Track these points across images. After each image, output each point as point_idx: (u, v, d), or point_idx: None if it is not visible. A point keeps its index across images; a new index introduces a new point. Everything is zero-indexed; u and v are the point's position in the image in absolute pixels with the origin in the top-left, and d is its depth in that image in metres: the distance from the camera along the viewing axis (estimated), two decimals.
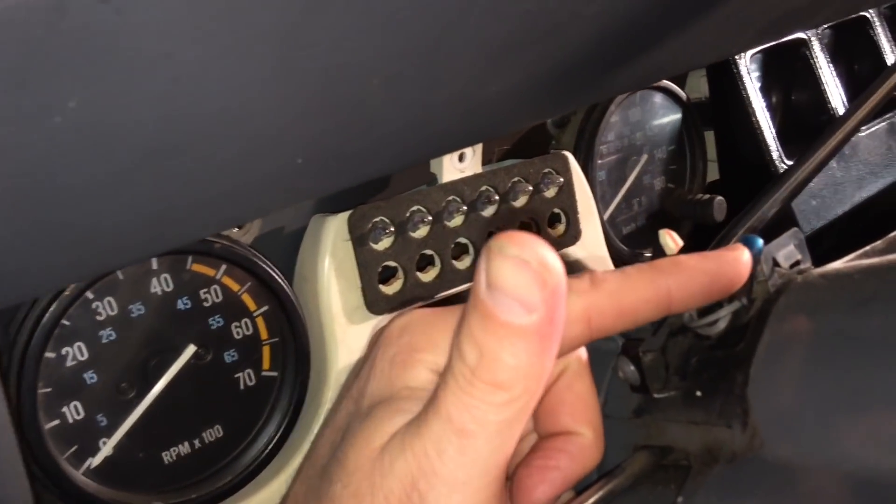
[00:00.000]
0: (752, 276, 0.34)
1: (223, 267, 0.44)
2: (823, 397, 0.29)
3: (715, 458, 0.32)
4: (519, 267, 0.25)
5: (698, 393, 0.34)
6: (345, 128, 0.29)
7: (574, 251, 0.59)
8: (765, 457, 0.30)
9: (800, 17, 0.51)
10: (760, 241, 0.35)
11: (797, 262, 0.36)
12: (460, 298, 0.55)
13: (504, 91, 0.35)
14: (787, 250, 0.36)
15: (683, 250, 0.63)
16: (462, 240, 0.53)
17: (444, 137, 0.36)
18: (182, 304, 0.43)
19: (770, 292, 0.34)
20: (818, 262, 0.41)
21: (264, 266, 0.45)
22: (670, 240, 0.35)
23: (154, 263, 0.42)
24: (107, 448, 0.42)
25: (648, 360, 0.35)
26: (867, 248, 0.40)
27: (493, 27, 0.29)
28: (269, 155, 0.28)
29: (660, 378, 0.36)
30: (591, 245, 0.60)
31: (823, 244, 0.75)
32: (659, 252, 0.72)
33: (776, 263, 0.35)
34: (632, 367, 0.35)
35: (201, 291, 0.44)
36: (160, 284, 0.42)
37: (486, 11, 0.28)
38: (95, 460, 0.42)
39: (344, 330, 0.48)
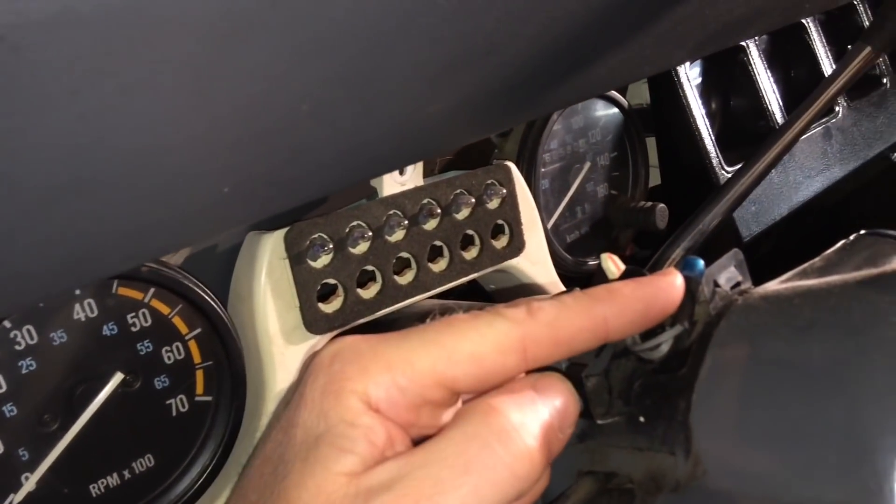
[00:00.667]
0: (693, 298, 0.34)
1: (151, 290, 0.42)
2: (763, 428, 0.29)
3: (659, 486, 0.32)
4: None
5: (641, 418, 0.34)
6: (273, 155, 0.28)
7: (518, 262, 0.58)
8: (707, 486, 0.30)
9: (736, 29, 0.51)
10: (701, 263, 0.35)
11: (738, 283, 0.36)
12: (403, 315, 0.54)
13: (443, 111, 0.34)
14: (728, 271, 0.35)
15: (624, 259, 0.63)
16: (404, 254, 0.52)
17: (380, 159, 0.35)
18: (108, 329, 0.41)
19: (711, 315, 0.34)
20: (757, 267, 0.41)
21: (195, 288, 0.43)
22: (612, 264, 0.34)
23: (77, 289, 0.40)
24: (29, 483, 0.40)
25: (591, 384, 0.35)
26: (805, 265, 0.40)
27: (428, 50, 0.28)
28: (191, 187, 0.26)
29: (603, 402, 0.35)
30: (535, 255, 0.59)
31: (762, 249, 0.77)
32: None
33: (717, 285, 0.35)
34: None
35: (128, 316, 0.42)
36: (84, 310, 0.40)
37: (419, 35, 0.27)
38: (17, 497, 0.39)
39: (282, 351, 0.47)
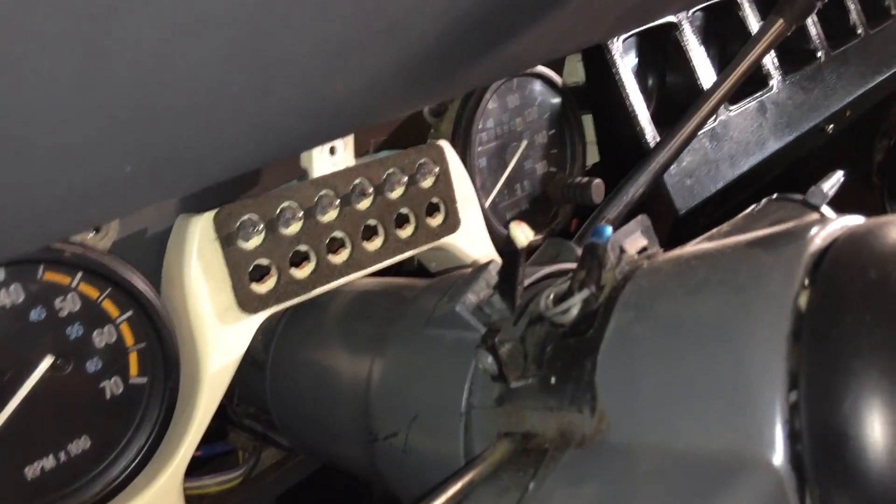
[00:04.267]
0: (601, 264, 0.35)
1: (79, 274, 0.42)
2: (658, 382, 0.30)
3: (567, 442, 0.33)
4: None
5: (553, 380, 0.35)
6: (173, 135, 0.28)
7: (455, 239, 0.59)
8: (611, 439, 0.31)
9: (657, 4, 0.53)
10: (609, 230, 0.36)
11: (644, 248, 0.37)
12: (338, 293, 0.54)
13: (352, 89, 0.35)
14: (635, 237, 0.37)
15: (566, 234, 0.64)
16: (338, 234, 0.52)
17: (290, 137, 0.35)
18: (36, 314, 0.42)
19: (618, 280, 0.35)
20: (691, 240, 0.43)
21: (123, 271, 0.43)
22: (520, 233, 0.36)
23: (1, 274, 0.40)
24: None
25: (505, 349, 0.36)
26: (714, 230, 0.42)
27: (325, 27, 0.29)
28: (90, 165, 0.27)
29: (518, 367, 0.36)
30: (472, 232, 0.60)
31: (700, 221, 0.78)
32: (557, 235, 0.73)
33: (622, 250, 0.36)
34: (490, 358, 0.36)
35: (56, 300, 0.42)
36: (9, 295, 0.40)
37: (314, 11, 0.27)
38: None
39: (216, 331, 0.47)
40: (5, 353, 0.41)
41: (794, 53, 0.93)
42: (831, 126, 0.94)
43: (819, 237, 0.30)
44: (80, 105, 0.23)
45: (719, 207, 0.79)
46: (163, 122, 0.27)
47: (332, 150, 0.52)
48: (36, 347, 0.42)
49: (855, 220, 0.30)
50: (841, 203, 0.43)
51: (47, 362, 0.42)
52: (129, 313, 0.45)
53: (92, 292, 0.43)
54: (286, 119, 0.33)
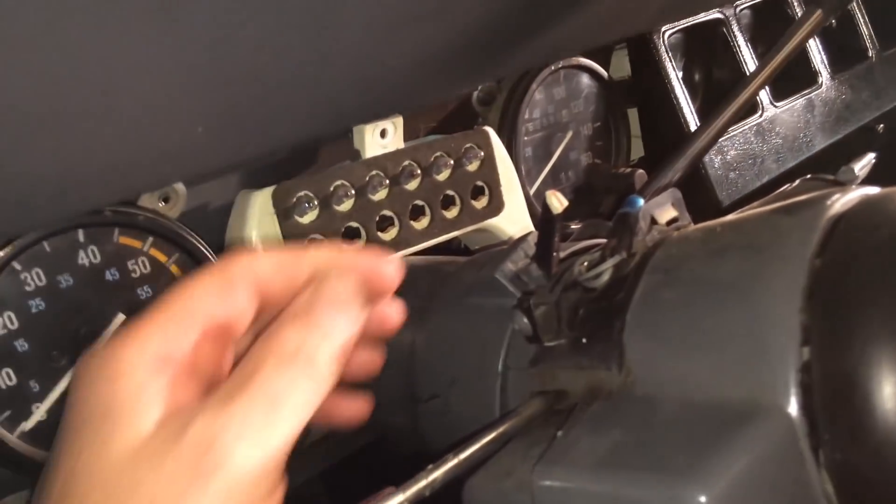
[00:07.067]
0: (632, 231, 0.37)
1: (150, 239, 0.46)
2: (681, 338, 0.32)
3: (595, 396, 0.35)
4: None
5: (584, 340, 0.37)
6: (241, 100, 0.31)
7: (498, 221, 0.62)
8: (636, 392, 0.33)
9: None
10: (640, 201, 0.38)
11: (675, 219, 0.39)
12: None
13: (401, 66, 0.38)
14: (665, 208, 0.39)
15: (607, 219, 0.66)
16: (387, 212, 0.55)
17: (342, 111, 0.38)
18: (110, 275, 0.45)
19: (647, 247, 0.37)
20: None
21: (190, 238, 0.47)
22: (556, 200, 0.38)
23: (81, 236, 0.44)
24: (40, 412, 0.44)
25: (540, 311, 0.38)
26: (746, 207, 0.44)
27: (377, 4, 0.31)
28: (167, 124, 0.30)
29: (552, 329, 0.38)
30: (515, 216, 0.63)
31: None
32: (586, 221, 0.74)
33: (654, 221, 0.38)
34: (525, 320, 0.38)
35: (129, 263, 0.46)
36: (88, 256, 0.44)
37: None
38: (28, 424, 0.44)
39: None
40: (82, 310, 0.45)
41: (844, 52, 0.93)
42: (882, 125, 0.94)
43: (837, 204, 0.31)
44: (163, 65, 0.27)
45: (763, 203, 0.80)
46: (233, 86, 0.30)
47: (382, 133, 0.55)
48: (110, 306, 0.46)
49: (871, 190, 0.32)
50: None
51: (119, 320, 0.46)
52: None
53: (161, 256, 0.47)
54: (339, 92, 0.36)
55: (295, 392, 0.28)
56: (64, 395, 0.44)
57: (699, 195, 0.73)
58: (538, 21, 0.43)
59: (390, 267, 0.33)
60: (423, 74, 0.40)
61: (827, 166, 0.89)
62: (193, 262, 0.48)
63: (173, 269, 0.48)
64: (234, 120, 0.33)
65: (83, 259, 0.44)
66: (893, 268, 0.28)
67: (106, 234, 0.45)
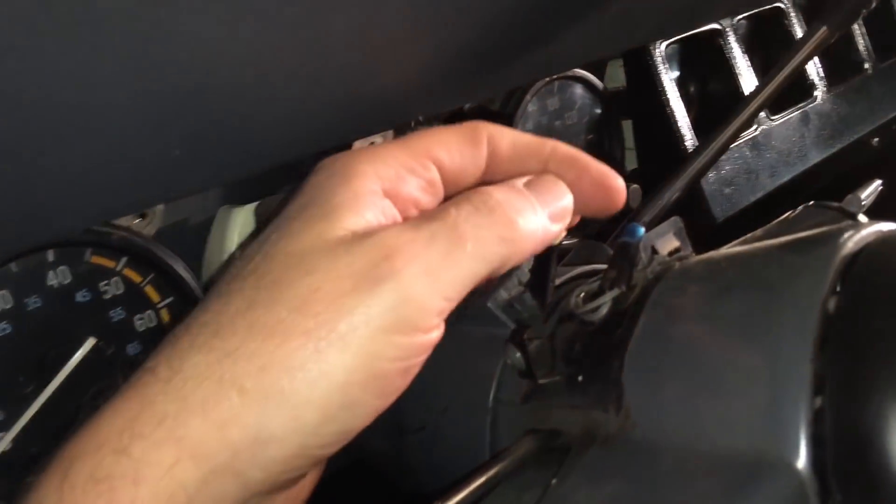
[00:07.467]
0: (632, 263, 0.35)
1: (124, 259, 0.44)
2: (685, 381, 0.30)
3: (592, 439, 0.33)
4: None
5: (580, 378, 0.35)
6: (221, 120, 0.29)
7: None
8: (635, 438, 0.32)
9: (700, 11, 0.52)
10: (641, 230, 0.36)
11: (677, 250, 0.37)
12: None
13: (393, 83, 0.36)
14: (667, 238, 0.37)
15: (600, 239, 0.64)
16: None
17: (331, 129, 0.36)
18: (81, 296, 0.43)
19: (648, 279, 0.35)
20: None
21: (166, 258, 0.44)
22: None
23: (51, 256, 0.42)
24: (4, 442, 0.41)
25: (534, 346, 0.36)
26: (748, 235, 0.42)
27: (367, 21, 0.29)
28: (139, 148, 0.28)
29: (546, 364, 0.37)
30: None
31: (737, 231, 0.78)
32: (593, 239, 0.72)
33: (655, 251, 0.36)
34: (518, 354, 0.36)
35: (101, 283, 0.44)
36: (57, 277, 0.42)
37: (356, 5, 0.28)
38: None
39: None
40: (51, 333, 0.42)
41: (840, 65, 0.92)
42: (877, 139, 0.92)
43: (851, 241, 0.29)
44: (134, 87, 0.25)
45: (758, 218, 0.78)
46: (210, 107, 0.28)
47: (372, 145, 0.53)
48: (80, 329, 0.43)
49: (888, 226, 0.30)
50: (883, 217, 0.43)
51: (90, 343, 0.43)
52: (170, 299, 0.46)
53: (135, 277, 0.45)
54: (328, 110, 0.34)
55: (480, 242, 0.28)
56: (31, 424, 0.42)
57: (693, 211, 0.72)
58: (534, 38, 0.41)
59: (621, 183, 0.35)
60: (416, 90, 0.38)
61: (820, 180, 0.88)
62: (170, 282, 0.46)
63: (148, 289, 0.46)
64: (215, 141, 0.31)
65: (53, 280, 0.42)
66: None
67: (77, 253, 0.42)
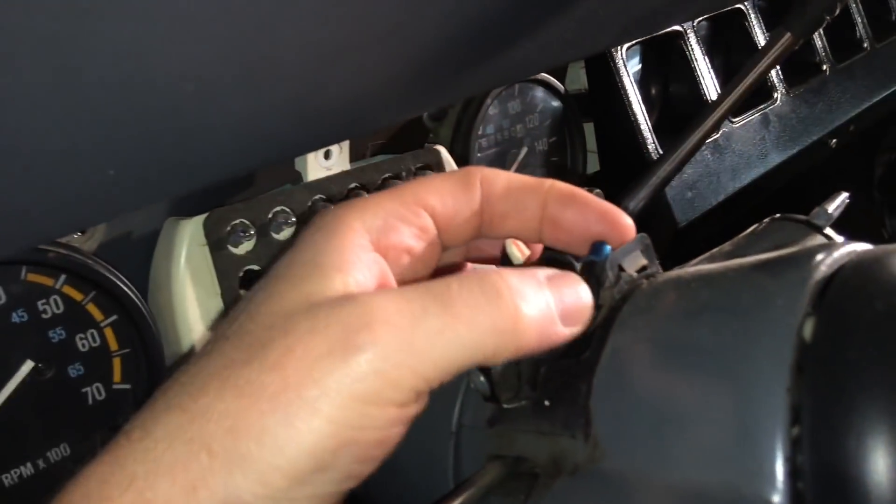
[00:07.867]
0: (599, 282, 0.34)
1: (62, 276, 0.41)
2: (656, 410, 0.29)
3: (559, 469, 0.32)
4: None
5: (546, 403, 0.34)
6: (156, 138, 0.27)
7: None
8: (604, 469, 0.30)
9: (663, 14, 0.51)
10: (608, 248, 0.35)
11: (644, 268, 0.36)
12: None
13: (347, 94, 0.34)
14: (634, 256, 0.36)
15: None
16: None
17: (280, 143, 0.34)
18: (17, 316, 0.41)
19: (615, 299, 0.34)
20: (695, 253, 0.42)
21: (108, 275, 0.42)
22: (516, 249, 0.34)
23: None
24: None
25: (498, 369, 0.35)
26: (715, 250, 0.41)
27: (314, 31, 0.28)
28: (71, 169, 0.26)
29: (511, 388, 0.35)
30: None
31: (699, 235, 0.77)
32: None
33: (622, 269, 0.35)
34: (481, 378, 0.35)
35: (39, 303, 0.41)
36: None
37: (300, 16, 0.26)
38: None
39: (203, 339, 0.46)
40: None
41: (798, 66, 0.92)
42: (834, 140, 0.93)
43: (825, 264, 0.28)
44: (60, 107, 0.22)
45: (720, 220, 0.78)
46: (146, 126, 0.26)
47: (326, 154, 0.51)
48: (16, 351, 0.41)
49: (862, 247, 0.29)
50: (841, 217, 0.42)
51: (28, 367, 0.41)
52: (113, 318, 0.44)
53: (76, 295, 0.42)
54: (276, 124, 0.32)
55: (475, 327, 0.26)
56: None
57: (655, 216, 0.71)
58: (496, 44, 0.40)
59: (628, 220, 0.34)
60: (372, 102, 0.36)
61: (780, 180, 0.88)
62: (113, 299, 0.43)
63: (90, 307, 0.43)
64: (153, 160, 0.29)
65: None
66: (890, 346, 0.25)
67: (12, 271, 0.40)
